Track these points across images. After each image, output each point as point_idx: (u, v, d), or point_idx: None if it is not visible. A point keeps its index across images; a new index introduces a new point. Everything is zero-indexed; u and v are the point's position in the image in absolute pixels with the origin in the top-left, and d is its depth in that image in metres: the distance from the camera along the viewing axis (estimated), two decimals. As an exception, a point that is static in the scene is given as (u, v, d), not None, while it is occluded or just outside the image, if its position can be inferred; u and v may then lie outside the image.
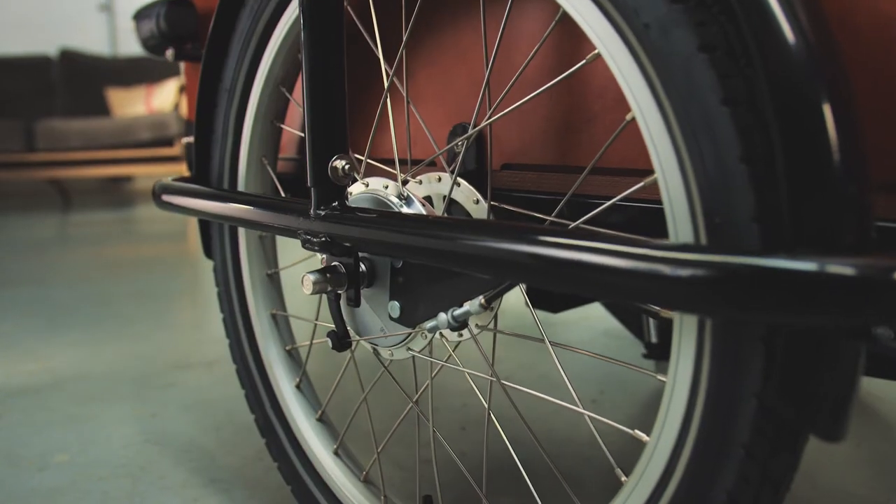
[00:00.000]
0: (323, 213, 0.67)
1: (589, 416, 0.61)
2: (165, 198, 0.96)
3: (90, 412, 1.41)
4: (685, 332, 0.50)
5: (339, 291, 0.71)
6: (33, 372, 1.65)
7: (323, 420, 0.96)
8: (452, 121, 0.80)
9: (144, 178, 6.10)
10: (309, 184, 0.67)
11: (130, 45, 6.14)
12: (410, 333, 0.71)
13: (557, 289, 0.50)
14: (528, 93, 0.74)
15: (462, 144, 0.72)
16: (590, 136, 0.68)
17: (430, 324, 0.64)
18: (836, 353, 0.43)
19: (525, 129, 0.74)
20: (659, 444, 0.53)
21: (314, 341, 0.94)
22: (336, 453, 0.93)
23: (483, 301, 0.59)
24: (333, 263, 0.70)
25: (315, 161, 0.66)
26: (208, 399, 1.47)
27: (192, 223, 4.19)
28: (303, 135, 0.81)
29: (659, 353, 1.18)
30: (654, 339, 1.19)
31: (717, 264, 0.40)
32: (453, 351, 0.76)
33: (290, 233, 0.72)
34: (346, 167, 0.66)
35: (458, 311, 0.61)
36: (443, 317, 0.62)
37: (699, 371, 0.49)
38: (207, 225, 1.04)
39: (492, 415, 0.75)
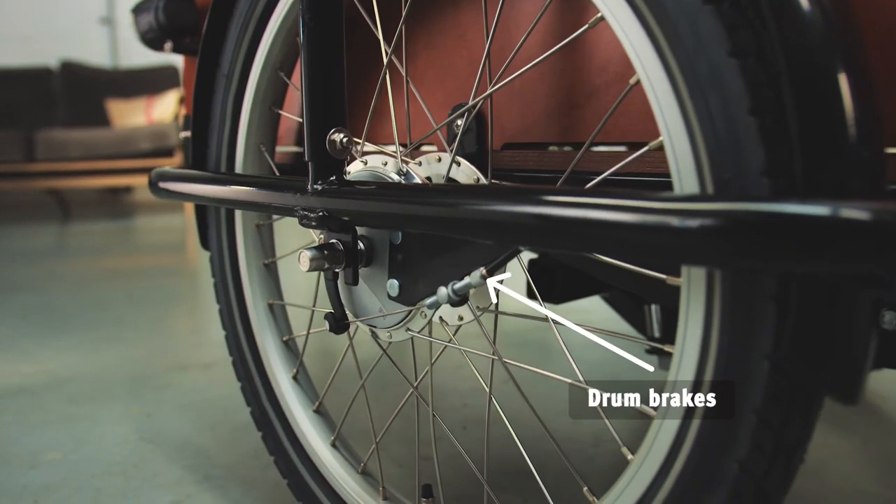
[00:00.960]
0: (320, 187, 0.66)
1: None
2: (162, 185, 0.94)
3: (85, 412, 1.38)
4: (693, 297, 0.48)
5: (337, 269, 0.69)
6: (29, 373, 1.62)
7: (320, 412, 0.94)
8: (452, 103, 0.79)
9: (144, 190, 6.10)
10: (306, 158, 0.66)
11: (131, 58, 6.16)
12: (409, 313, 0.69)
13: (561, 249, 0.48)
14: (529, 71, 0.73)
15: (461, 124, 0.71)
16: (592, 111, 0.67)
17: (430, 300, 0.62)
18: (850, 307, 0.41)
19: (526, 108, 0.73)
20: (667, 416, 0.51)
21: (311, 331, 0.93)
22: (334, 445, 0.91)
23: (484, 272, 0.57)
24: (331, 241, 0.69)
25: (313, 134, 0.65)
26: (204, 399, 1.45)
27: (192, 234, 4.18)
28: (301, 120, 0.80)
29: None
30: (656, 334, 1.17)
31: (726, 212, 0.39)
32: (454, 335, 0.74)
33: (288, 211, 0.71)
34: (345, 140, 0.65)
35: (459, 285, 0.59)
36: (443, 291, 0.60)
37: (708, 335, 0.47)
38: (204, 215, 1.03)
39: (493, 399, 0.73)
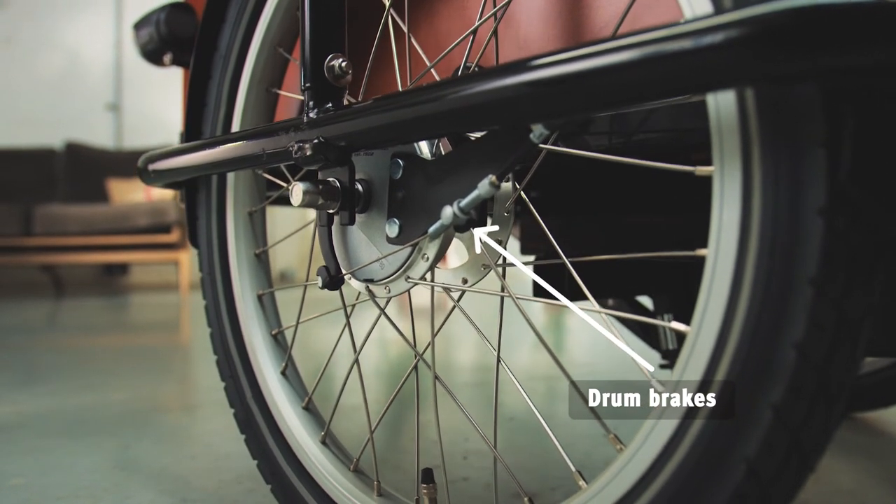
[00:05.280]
0: (316, 115, 0.62)
1: (607, 313, 0.53)
2: (153, 166, 0.90)
3: (56, 444, 1.28)
4: (728, 175, 0.43)
5: (331, 210, 0.64)
6: (1, 413, 1.52)
7: (309, 409, 0.86)
8: (453, 68, 0.77)
9: (140, 269, 6.05)
10: (302, 86, 0.62)
11: (135, 141, 6.29)
12: (411, 254, 0.63)
13: (580, 111, 0.44)
14: (534, 30, 0.71)
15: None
16: (603, 46, 0.64)
17: (433, 226, 0.57)
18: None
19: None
20: (710, 298, 0.44)
21: (301, 320, 0.86)
22: (324, 443, 0.82)
23: (493, 179, 0.52)
24: (328, 179, 0.64)
25: (311, 60, 0.62)
26: (186, 434, 1.35)
27: (187, 310, 4.11)
28: (301, 98, 0.77)
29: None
30: (671, 346, 1.10)
31: (753, 18, 0.35)
32: (458, 300, 0.68)
33: (284, 156, 0.66)
34: (343, 65, 0.61)
35: (466, 200, 0.54)
36: (448, 210, 0.54)
37: (749, 201, 0.42)
38: (195, 207, 0.98)
39: (503, 362, 0.66)
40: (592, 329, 2.93)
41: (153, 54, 1.23)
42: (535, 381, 1.82)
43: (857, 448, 1.23)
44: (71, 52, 6.40)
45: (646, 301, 1.20)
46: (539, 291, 0.99)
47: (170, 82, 5.45)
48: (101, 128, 6.48)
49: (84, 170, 5.58)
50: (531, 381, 1.83)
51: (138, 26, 1.25)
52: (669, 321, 1.12)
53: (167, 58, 1.22)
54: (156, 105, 6.12)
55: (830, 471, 1.12)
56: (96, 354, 2.41)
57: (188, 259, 4.99)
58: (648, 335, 1.16)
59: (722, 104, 0.43)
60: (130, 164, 5.70)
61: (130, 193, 5.41)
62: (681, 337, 0.99)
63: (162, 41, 1.20)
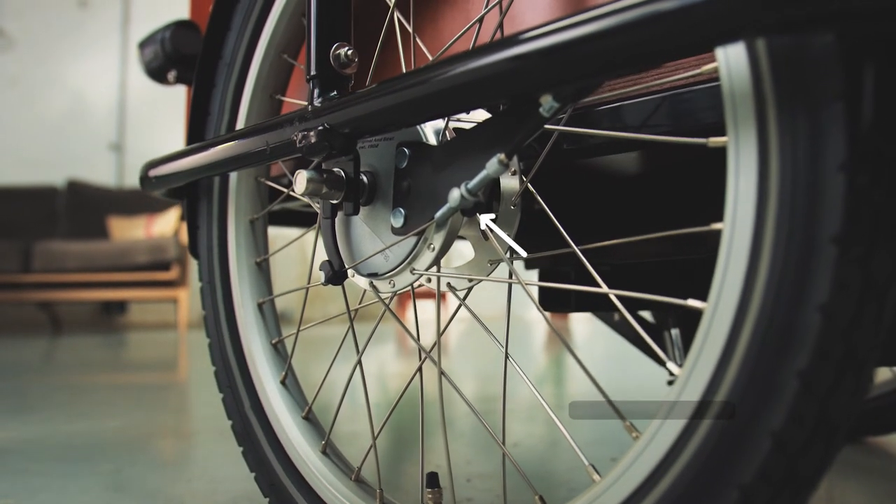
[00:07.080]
0: (321, 104, 0.61)
1: (614, 293, 0.52)
2: (154, 172, 0.90)
3: (47, 468, 1.24)
4: (743, 145, 0.42)
5: (335, 201, 0.63)
6: (-9, 441, 1.48)
7: (309, 418, 0.83)
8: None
9: (139, 308, 6.02)
10: (308, 76, 0.62)
11: (137, 180, 6.31)
12: (416, 244, 0.62)
13: (589, 78, 0.43)
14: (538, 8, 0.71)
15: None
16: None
17: (440, 211, 0.56)
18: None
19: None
20: (730, 261, 0.43)
21: (302, 328, 0.84)
22: (324, 452, 0.79)
23: (502, 157, 0.51)
24: (333, 168, 0.63)
25: (317, 49, 0.62)
26: (182, 459, 1.32)
27: (185, 346, 4.07)
28: (305, 103, 0.77)
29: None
30: (678, 361, 1.07)
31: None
32: (464, 299, 0.67)
33: (289, 148, 0.65)
34: (349, 53, 0.61)
35: (474, 182, 0.53)
36: (455, 193, 0.53)
37: (766, 164, 0.41)
38: (195, 217, 0.97)
39: (508, 354, 0.64)
40: (595, 360, 2.89)
41: (157, 72, 1.23)
42: (538, 410, 1.78)
43: (872, 470, 1.20)
44: (75, 93, 6.48)
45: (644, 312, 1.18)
46: (545, 297, 0.98)
47: (172, 123, 5.51)
48: (103, 167, 6.52)
49: (85, 207, 5.60)
50: (532, 409, 1.80)
51: (143, 45, 1.26)
52: (675, 334, 1.10)
53: (171, 75, 1.22)
54: (158, 145, 6.13)
55: (844, 491, 1.08)
56: (92, 388, 2.37)
57: (186, 297, 4.97)
58: (653, 351, 1.14)
59: (734, 68, 0.42)
60: (131, 201, 5.75)
61: (131, 231, 5.41)
62: (688, 351, 0.97)
63: (167, 59, 1.21)
